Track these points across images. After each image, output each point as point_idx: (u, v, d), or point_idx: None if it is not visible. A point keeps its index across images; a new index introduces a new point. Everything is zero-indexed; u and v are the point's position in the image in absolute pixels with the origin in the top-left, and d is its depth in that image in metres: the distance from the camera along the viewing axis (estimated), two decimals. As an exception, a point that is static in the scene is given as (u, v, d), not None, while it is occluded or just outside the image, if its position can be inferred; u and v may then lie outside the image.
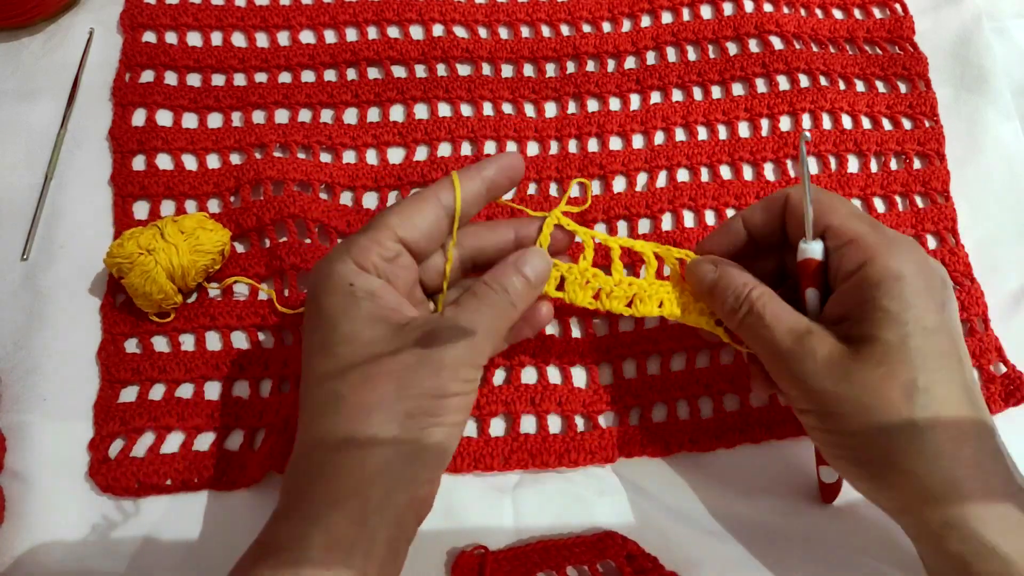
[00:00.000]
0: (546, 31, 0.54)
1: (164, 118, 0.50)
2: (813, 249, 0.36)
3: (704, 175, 0.49)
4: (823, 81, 0.52)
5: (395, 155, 0.50)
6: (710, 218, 0.48)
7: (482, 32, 0.54)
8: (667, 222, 0.48)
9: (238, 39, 0.53)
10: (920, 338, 0.32)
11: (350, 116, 0.51)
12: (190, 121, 0.50)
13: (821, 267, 0.36)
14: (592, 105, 0.52)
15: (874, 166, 0.50)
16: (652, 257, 0.40)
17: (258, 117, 0.51)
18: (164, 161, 0.49)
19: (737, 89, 0.52)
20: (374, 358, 0.33)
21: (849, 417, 0.33)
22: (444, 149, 0.50)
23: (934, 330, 0.33)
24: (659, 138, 0.51)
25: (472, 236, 0.39)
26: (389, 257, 0.35)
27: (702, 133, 0.51)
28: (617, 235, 0.48)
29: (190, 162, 0.49)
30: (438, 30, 0.53)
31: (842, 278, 0.35)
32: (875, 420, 0.32)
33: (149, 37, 0.52)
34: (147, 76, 0.51)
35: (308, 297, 0.36)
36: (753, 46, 0.53)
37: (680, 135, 0.51)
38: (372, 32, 0.53)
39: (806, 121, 0.51)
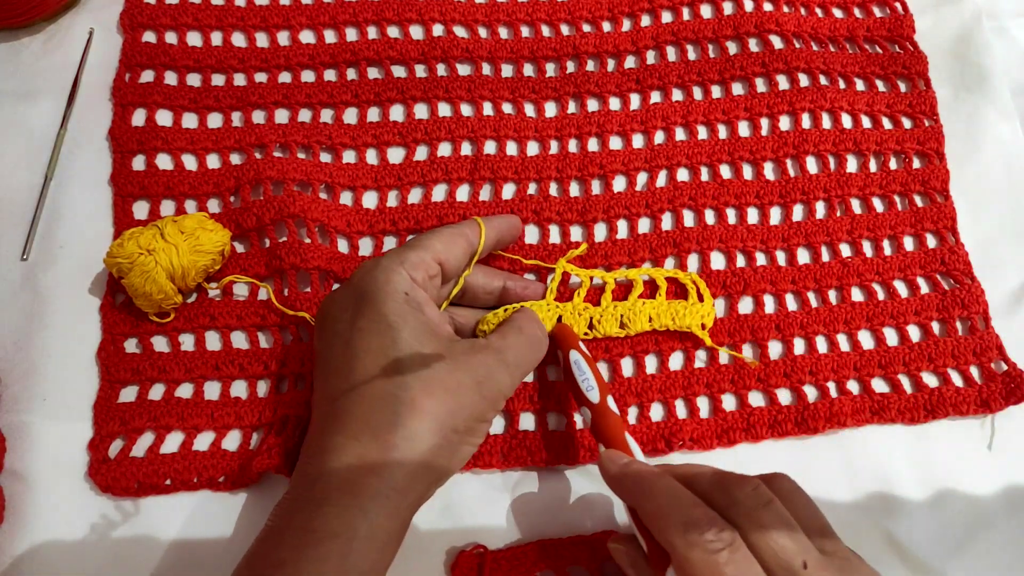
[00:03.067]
0: (546, 31, 0.54)
1: (164, 118, 0.50)
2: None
3: (704, 174, 0.49)
4: (823, 80, 0.52)
5: (395, 155, 0.50)
6: (710, 217, 0.48)
7: (482, 32, 0.54)
8: (667, 221, 0.48)
9: (238, 39, 0.53)
10: None
11: (350, 116, 0.51)
12: (190, 121, 0.50)
13: None
14: (592, 105, 0.52)
15: (873, 165, 0.50)
16: (640, 280, 0.46)
17: (258, 117, 0.51)
18: (164, 161, 0.49)
19: (737, 88, 0.52)
20: (433, 371, 0.35)
21: None
22: (444, 149, 0.50)
23: None
24: (659, 138, 0.51)
25: (472, 277, 0.43)
26: (432, 275, 0.39)
27: (702, 132, 0.51)
28: (618, 235, 0.48)
29: (190, 162, 0.49)
30: (438, 30, 0.53)
31: None
32: None
33: (149, 37, 0.52)
34: (147, 76, 0.51)
35: (359, 300, 0.37)
36: (753, 45, 0.53)
37: (680, 135, 0.51)
38: (372, 32, 0.53)
39: (806, 120, 0.51)
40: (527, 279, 0.45)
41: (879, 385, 0.45)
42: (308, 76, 0.52)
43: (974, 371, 0.45)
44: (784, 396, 0.45)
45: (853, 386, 0.45)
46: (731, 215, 0.49)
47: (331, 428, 0.35)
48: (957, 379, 0.45)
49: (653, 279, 0.46)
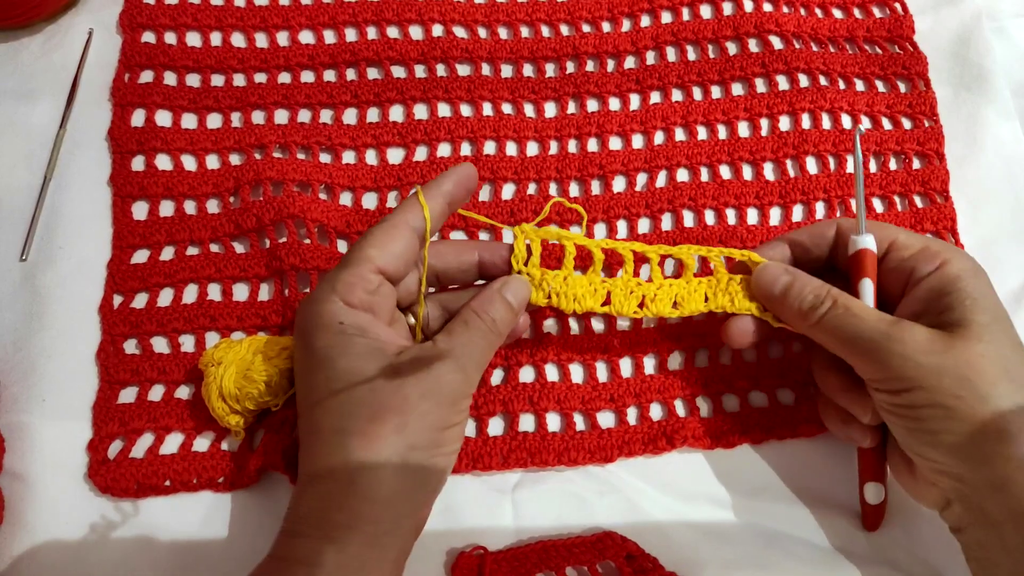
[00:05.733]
0: (546, 31, 0.54)
1: (163, 118, 0.50)
2: (867, 240, 0.39)
3: (704, 175, 0.49)
4: (823, 81, 0.52)
5: (395, 155, 0.50)
6: (710, 218, 0.48)
7: (482, 32, 0.54)
8: (667, 222, 0.48)
9: (237, 39, 0.53)
10: (1005, 321, 0.36)
11: (349, 116, 0.51)
12: (189, 121, 0.50)
13: (874, 261, 0.39)
14: (592, 105, 0.52)
15: (873, 166, 0.50)
16: (692, 260, 0.42)
17: (257, 118, 0.51)
18: (163, 161, 0.49)
19: (737, 89, 0.52)
20: (376, 395, 0.34)
21: (948, 390, 0.34)
22: (444, 149, 0.50)
23: (1006, 315, 0.37)
24: (659, 138, 0.51)
25: (437, 257, 0.40)
26: (372, 290, 0.36)
27: (702, 133, 0.51)
28: (617, 235, 0.48)
29: (189, 163, 0.49)
30: (437, 30, 0.53)
31: (916, 280, 0.38)
32: (979, 392, 0.34)
33: (148, 37, 0.52)
34: (146, 76, 0.51)
35: (297, 337, 0.36)
36: (753, 46, 0.53)
37: (680, 135, 0.51)
38: (371, 32, 0.53)
39: (806, 121, 0.51)
40: (498, 243, 0.42)
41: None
42: (307, 77, 0.52)
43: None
44: (785, 396, 0.45)
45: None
46: (731, 215, 0.49)
47: (302, 465, 0.35)
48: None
49: (706, 259, 0.44)
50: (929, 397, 0.34)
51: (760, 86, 0.52)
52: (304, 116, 0.51)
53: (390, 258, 0.37)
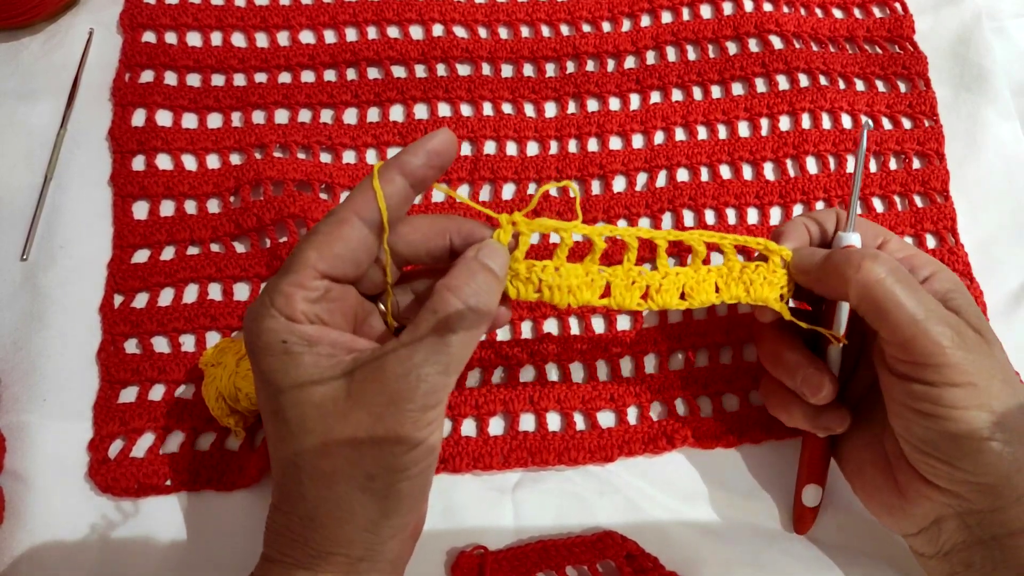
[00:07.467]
0: (546, 31, 0.54)
1: (164, 118, 0.50)
2: (854, 238, 0.38)
3: (704, 175, 0.49)
4: (823, 80, 0.52)
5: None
6: (710, 217, 0.48)
7: (482, 32, 0.54)
8: (667, 222, 0.48)
9: (238, 39, 0.53)
10: None
11: (350, 116, 0.51)
12: (190, 121, 0.50)
13: None
14: (592, 105, 0.52)
15: (873, 166, 0.50)
16: (702, 245, 0.37)
17: (258, 117, 0.51)
18: (164, 161, 0.49)
19: (737, 89, 0.52)
20: (325, 424, 0.30)
21: (997, 393, 0.33)
22: (444, 149, 0.50)
23: None
24: (659, 138, 0.51)
25: (403, 242, 0.35)
26: (315, 298, 0.32)
27: (702, 133, 0.51)
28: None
29: (190, 162, 0.49)
30: (438, 30, 0.53)
31: (919, 281, 0.36)
32: (1019, 396, 0.33)
33: (149, 37, 0.52)
34: (147, 76, 0.51)
35: (248, 354, 0.33)
36: (753, 46, 0.53)
37: (680, 135, 0.51)
38: (372, 32, 0.53)
39: (806, 121, 0.51)
40: (475, 223, 0.35)
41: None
42: (308, 76, 0.52)
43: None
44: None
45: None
46: (731, 215, 0.49)
47: (274, 489, 0.34)
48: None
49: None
50: (980, 399, 0.32)
51: (760, 86, 0.52)
52: (304, 116, 0.51)
53: (334, 260, 0.32)
